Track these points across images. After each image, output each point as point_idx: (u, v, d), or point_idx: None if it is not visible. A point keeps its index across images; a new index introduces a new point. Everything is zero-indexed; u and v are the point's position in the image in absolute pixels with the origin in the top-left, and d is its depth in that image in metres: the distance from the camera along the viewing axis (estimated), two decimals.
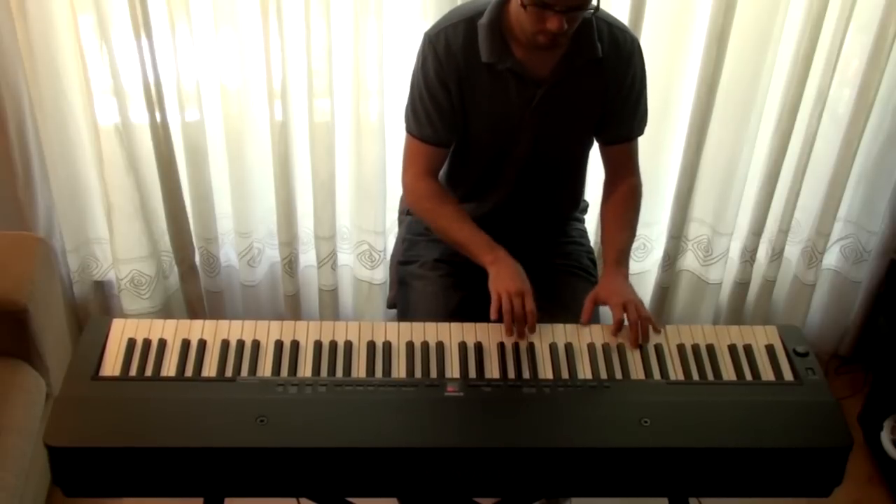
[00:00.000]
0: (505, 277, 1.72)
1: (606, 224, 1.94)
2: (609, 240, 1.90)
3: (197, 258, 2.58)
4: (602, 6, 1.72)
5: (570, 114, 1.84)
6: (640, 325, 1.68)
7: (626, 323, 1.70)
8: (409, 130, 1.87)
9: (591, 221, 2.33)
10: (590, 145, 1.98)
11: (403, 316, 1.98)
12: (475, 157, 1.90)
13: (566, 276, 2.00)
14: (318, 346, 1.62)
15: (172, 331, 1.63)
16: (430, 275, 1.96)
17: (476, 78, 1.79)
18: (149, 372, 1.56)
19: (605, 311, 1.78)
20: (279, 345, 1.61)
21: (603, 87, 1.82)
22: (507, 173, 1.92)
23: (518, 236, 1.92)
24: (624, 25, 1.86)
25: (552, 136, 1.86)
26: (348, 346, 1.62)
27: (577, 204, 2.12)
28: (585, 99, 1.83)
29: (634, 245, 2.61)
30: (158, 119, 2.30)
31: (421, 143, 1.85)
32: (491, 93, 1.80)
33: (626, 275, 1.84)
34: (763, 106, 2.41)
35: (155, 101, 2.27)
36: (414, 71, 1.84)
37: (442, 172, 1.95)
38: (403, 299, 2.00)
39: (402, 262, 2.05)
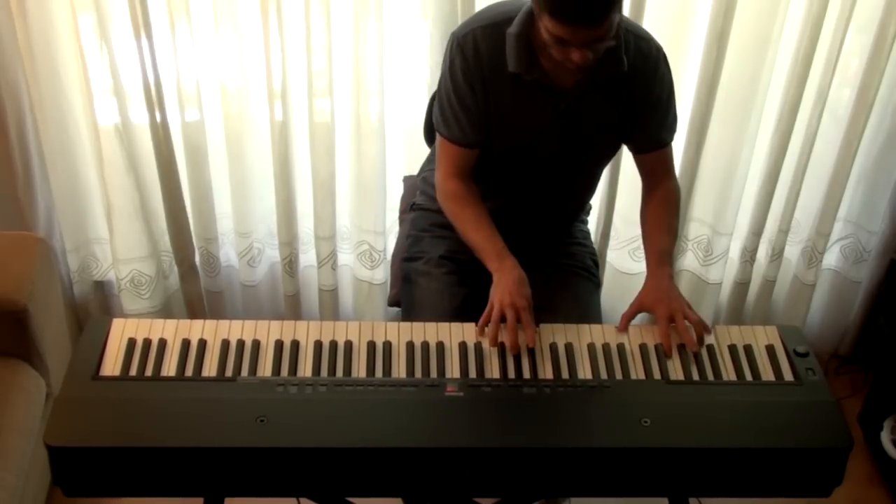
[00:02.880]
0: (504, 289, 1.71)
1: (647, 228, 1.93)
2: (650, 243, 1.89)
3: (197, 258, 2.58)
4: None
5: (593, 124, 1.84)
6: (693, 329, 1.68)
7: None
8: (438, 131, 1.89)
9: (592, 222, 2.33)
10: (610, 155, 1.98)
11: (407, 313, 1.98)
12: (493, 160, 1.90)
13: (569, 275, 2.00)
14: (318, 346, 1.62)
15: (172, 331, 1.63)
16: (435, 272, 1.96)
17: (500, 84, 1.78)
18: (149, 372, 1.56)
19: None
20: (279, 345, 1.61)
21: (627, 98, 1.82)
22: (522, 177, 1.92)
23: (524, 235, 1.93)
24: (648, 34, 1.84)
25: (573, 145, 1.86)
26: (348, 346, 1.62)
27: (584, 208, 2.14)
28: (608, 110, 1.83)
29: (634, 244, 2.64)
30: (158, 119, 2.30)
31: (450, 143, 1.86)
32: (514, 100, 1.80)
33: (669, 275, 1.82)
34: (763, 106, 2.40)
35: (155, 101, 2.27)
36: (442, 73, 1.84)
37: None
38: (408, 296, 2.00)
39: (407, 258, 2.05)
